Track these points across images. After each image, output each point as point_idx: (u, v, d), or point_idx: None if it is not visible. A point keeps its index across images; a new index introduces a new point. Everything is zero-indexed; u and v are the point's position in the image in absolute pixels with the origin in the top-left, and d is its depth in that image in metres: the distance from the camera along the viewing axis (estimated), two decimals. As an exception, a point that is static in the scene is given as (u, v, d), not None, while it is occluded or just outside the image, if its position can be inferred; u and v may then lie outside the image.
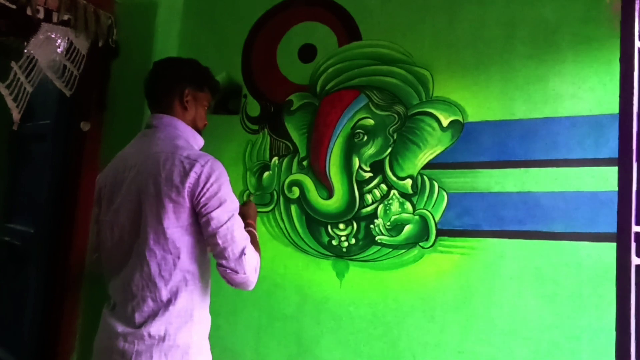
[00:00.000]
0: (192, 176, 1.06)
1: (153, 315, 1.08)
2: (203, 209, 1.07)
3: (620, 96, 0.98)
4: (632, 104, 0.96)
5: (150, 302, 1.08)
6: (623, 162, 0.96)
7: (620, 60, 0.98)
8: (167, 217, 1.07)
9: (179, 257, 1.09)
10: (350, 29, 1.83)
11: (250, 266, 1.10)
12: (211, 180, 1.08)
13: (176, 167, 1.08)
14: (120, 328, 1.09)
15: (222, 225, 1.07)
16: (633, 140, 0.95)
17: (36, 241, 2.13)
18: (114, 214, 1.15)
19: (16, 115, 1.87)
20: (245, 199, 1.92)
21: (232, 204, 1.11)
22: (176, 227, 1.08)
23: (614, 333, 1.32)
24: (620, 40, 0.98)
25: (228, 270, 1.08)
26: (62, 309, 2.03)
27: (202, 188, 1.07)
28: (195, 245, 1.11)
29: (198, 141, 1.26)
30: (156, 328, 1.06)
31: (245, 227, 1.16)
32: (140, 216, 1.10)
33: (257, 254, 1.15)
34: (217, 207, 1.07)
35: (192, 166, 1.07)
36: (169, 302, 1.08)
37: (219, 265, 1.09)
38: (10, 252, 2.30)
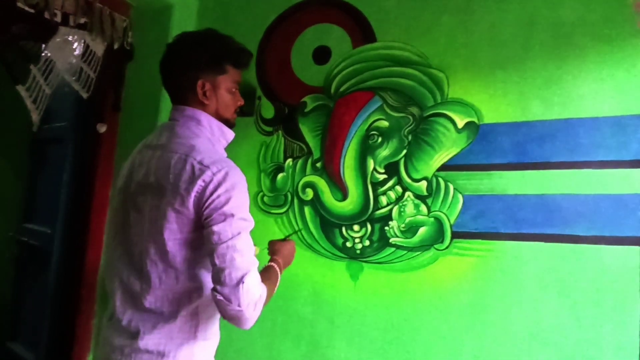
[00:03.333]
0: (199, 184, 0.92)
1: (152, 328, 0.97)
2: (206, 221, 0.93)
3: (645, 97, 0.96)
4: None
5: (150, 313, 0.98)
6: (648, 165, 0.94)
7: (645, 60, 0.96)
8: (169, 227, 0.94)
9: (180, 271, 0.97)
10: (364, 30, 1.82)
11: (249, 299, 0.89)
12: (219, 190, 0.92)
13: (185, 173, 0.94)
14: (118, 340, 0.99)
15: (222, 243, 0.90)
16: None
17: (53, 241, 2.17)
18: (118, 213, 1.06)
19: (35, 117, 1.90)
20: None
21: (242, 221, 0.94)
22: (177, 239, 0.95)
23: (638, 340, 1.29)
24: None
25: (219, 297, 0.89)
26: (78, 308, 2.06)
27: (209, 198, 0.92)
28: (200, 260, 0.99)
29: (226, 135, 1.09)
30: (155, 342, 0.96)
31: (269, 262, 1.08)
32: (143, 222, 0.98)
33: (264, 287, 0.95)
34: (222, 222, 0.91)
35: (202, 173, 0.93)
36: (171, 315, 0.97)
37: (213, 289, 0.91)
38: (29, 252, 2.34)
